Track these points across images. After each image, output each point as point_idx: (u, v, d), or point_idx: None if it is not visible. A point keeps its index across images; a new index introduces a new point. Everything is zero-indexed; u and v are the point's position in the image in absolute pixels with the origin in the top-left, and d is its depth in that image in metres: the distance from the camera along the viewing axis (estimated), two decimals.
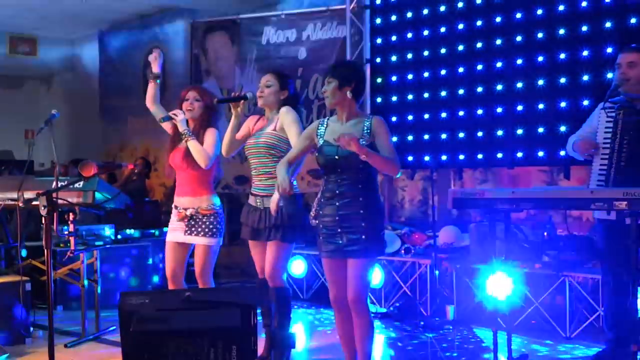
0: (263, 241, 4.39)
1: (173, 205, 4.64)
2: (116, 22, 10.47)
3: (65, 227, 5.17)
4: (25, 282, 5.17)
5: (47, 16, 9.91)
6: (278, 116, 4.37)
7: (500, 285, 4.99)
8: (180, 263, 4.55)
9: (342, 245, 3.76)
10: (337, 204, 3.78)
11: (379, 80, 7.19)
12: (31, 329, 5.27)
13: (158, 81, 4.70)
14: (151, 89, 4.69)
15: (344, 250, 3.76)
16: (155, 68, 4.70)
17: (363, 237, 3.71)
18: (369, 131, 3.76)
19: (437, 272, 5.93)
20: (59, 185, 4.53)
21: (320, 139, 3.89)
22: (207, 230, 4.47)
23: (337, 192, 3.79)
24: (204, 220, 4.47)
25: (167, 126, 4.69)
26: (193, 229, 4.49)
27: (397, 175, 3.81)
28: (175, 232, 4.56)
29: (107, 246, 6.09)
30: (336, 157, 3.77)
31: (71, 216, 5.04)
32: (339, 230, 3.77)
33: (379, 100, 7.18)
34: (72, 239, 5.15)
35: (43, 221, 3.82)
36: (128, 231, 6.93)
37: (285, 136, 4.31)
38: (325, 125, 3.92)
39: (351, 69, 3.91)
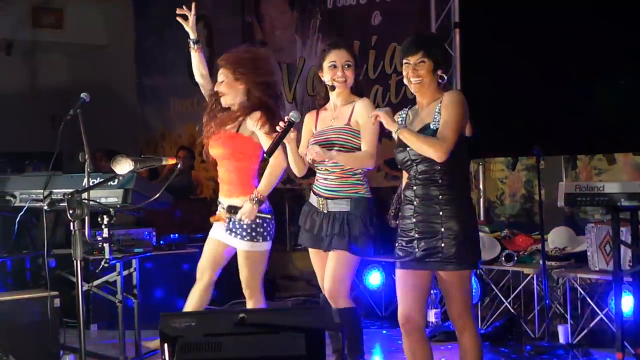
0: (325, 250, 4.38)
1: (218, 201, 4.79)
2: None
3: (99, 232, 5.26)
4: (54, 297, 5.28)
5: None
6: (352, 106, 4.34)
7: (626, 300, 4.88)
8: (214, 262, 4.72)
9: (416, 254, 3.80)
10: (414, 203, 3.82)
11: (472, 49, 7.06)
12: (61, 352, 5.38)
13: (196, 46, 4.75)
14: (193, 58, 4.77)
15: (417, 260, 3.79)
16: (191, 31, 4.74)
17: (442, 245, 3.73)
18: (439, 112, 3.80)
19: (546, 284, 5.81)
20: (90, 184, 4.60)
21: None
22: (244, 233, 4.55)
23: (414, 189, 3.84)
24: (243, 222, 4.57)
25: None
26: (232, 229, 4.60)
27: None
28: (217, 228, 4.72)
29: (148, 254, 6.17)
30: (408, 148, 3.82)
31: (105, 219, 5.11)
32: (416, 236, 3.80)
33: (471, 74, 7.06)
34: (106, 246, 5.23)
35: (72, 226, 3.88)
36: (172, 235, 7.00)
37: (359, 130, 4.30)
38: (405, 116, 3.98)
39: (442, 44, 3.98)
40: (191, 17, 4.78)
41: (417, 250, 3.80)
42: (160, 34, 10.86)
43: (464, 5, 7.11)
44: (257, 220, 4.57)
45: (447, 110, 3.76)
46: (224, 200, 4.71)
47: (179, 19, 4.77)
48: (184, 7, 4.78)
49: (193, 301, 4.75)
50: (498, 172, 7.42)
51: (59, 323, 5.33)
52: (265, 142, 4.49)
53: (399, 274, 3.91)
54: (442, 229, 3.74)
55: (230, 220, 4.61)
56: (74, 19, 11.49)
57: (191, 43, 4.80)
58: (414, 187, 3.83)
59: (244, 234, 4.56)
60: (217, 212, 4.73)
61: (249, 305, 4.71)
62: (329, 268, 4.33)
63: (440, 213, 3.75)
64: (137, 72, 11.36)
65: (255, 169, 4.70)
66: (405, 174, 3.99)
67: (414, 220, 3.82)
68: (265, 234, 4.61)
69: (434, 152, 3.70)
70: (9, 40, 11.23)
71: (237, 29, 9.37)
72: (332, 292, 4.32)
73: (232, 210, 4.57)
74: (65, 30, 11.48)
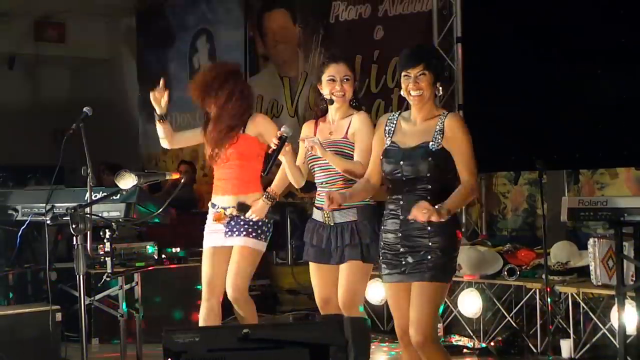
0: (332, 264, 4.36)
1: (210, 203, 4.73)
2: (157, 1, 10.64)
3: (102, 246, 5.26)
4: (55, 311, 5.27)
5: None
6: (350, 119, 4.36)
7: (629, 315, 4.86)
8: (223, 273, 4.62)
9: (405, 267, 3.79)
10: (400, 217, 3.81)
11: (474, 63, 7.07)
12: None
13: (162, 120, 4.80)
14: (161, 130, 4.81)
15: (406, 273, 3.79)
16: (158, 107, 4.77)
17: (429, 257, 3.73)
18: (441, 133, 3.77)
19: (549, 299, 5.80)
20: (92, 198, 4.60)
21: (387, 138, 3.91)
22: (247, 231, 4.53)
23: (401, 203, 3.82)
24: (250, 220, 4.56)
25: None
26: (232, 229, 4.57)
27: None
28: (214, 236, 4.65)
29: (150, 268, 6.16)
30: (401, 162, 3.80)
31: (107, 233, 5.11)
32: (402, 249, 3.80)
33: (473, 89, 7.07)
34: (108, 260, 5.23)
35: (74, 240, 3.88)
36: (173, 250, 6.99)
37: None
38: (395, 123, 3.93)
39: (441, 58, 3.95)
40: (159, 94, 4.79)
41: (404, 263, 3.79)
42: (162, 47, 10.90)
43: (466, 20, 7.12)
44: (263, 219, 4.58)
45: (460, 140, 3.75)
46: (222, 198, 4.67)
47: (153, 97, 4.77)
48: (161, 81, 4.77)
49: (210, 321, 4.67)
50: (500, 186, 7.41)
51: (60, 337, 5.32)
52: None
53: (389, 287, 3.91)
54: (430, 243, 3.74)
55: (229, 221, 4.58)
56: (76, 33, 11.52)
57: (156, 117, 4.81)
58: (401, 202, 3.81)
59: (247, 231, 4.55)
60: (215, 212, 4.67)
61: (240, 311, 4.66)
62: (344, 279, 4.30)
63: (429, 228, 3.73)
64: (139, 86, 11.38)
65: (259, 169, 4.69)
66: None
67: (400, 235, 3.81)
68: (266, 235, 4.62)
69: (472, 196, 3.88)
70: (12, 54, 11.26)
71: (239, 43, 9.39)
72: (347, 302, 4.30)
73: (242, 207, 4.52)
74: (68, 44, 11.51)
